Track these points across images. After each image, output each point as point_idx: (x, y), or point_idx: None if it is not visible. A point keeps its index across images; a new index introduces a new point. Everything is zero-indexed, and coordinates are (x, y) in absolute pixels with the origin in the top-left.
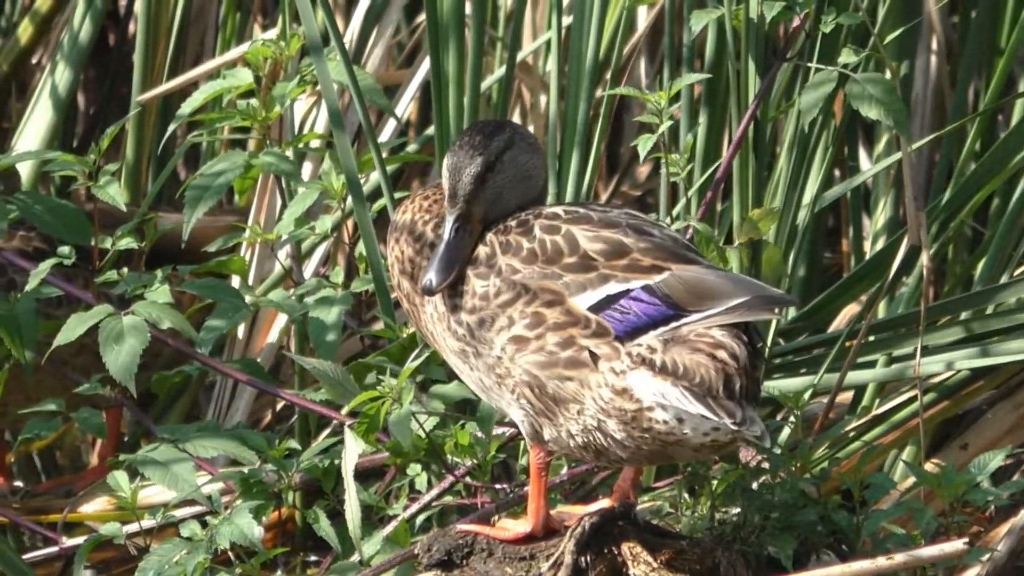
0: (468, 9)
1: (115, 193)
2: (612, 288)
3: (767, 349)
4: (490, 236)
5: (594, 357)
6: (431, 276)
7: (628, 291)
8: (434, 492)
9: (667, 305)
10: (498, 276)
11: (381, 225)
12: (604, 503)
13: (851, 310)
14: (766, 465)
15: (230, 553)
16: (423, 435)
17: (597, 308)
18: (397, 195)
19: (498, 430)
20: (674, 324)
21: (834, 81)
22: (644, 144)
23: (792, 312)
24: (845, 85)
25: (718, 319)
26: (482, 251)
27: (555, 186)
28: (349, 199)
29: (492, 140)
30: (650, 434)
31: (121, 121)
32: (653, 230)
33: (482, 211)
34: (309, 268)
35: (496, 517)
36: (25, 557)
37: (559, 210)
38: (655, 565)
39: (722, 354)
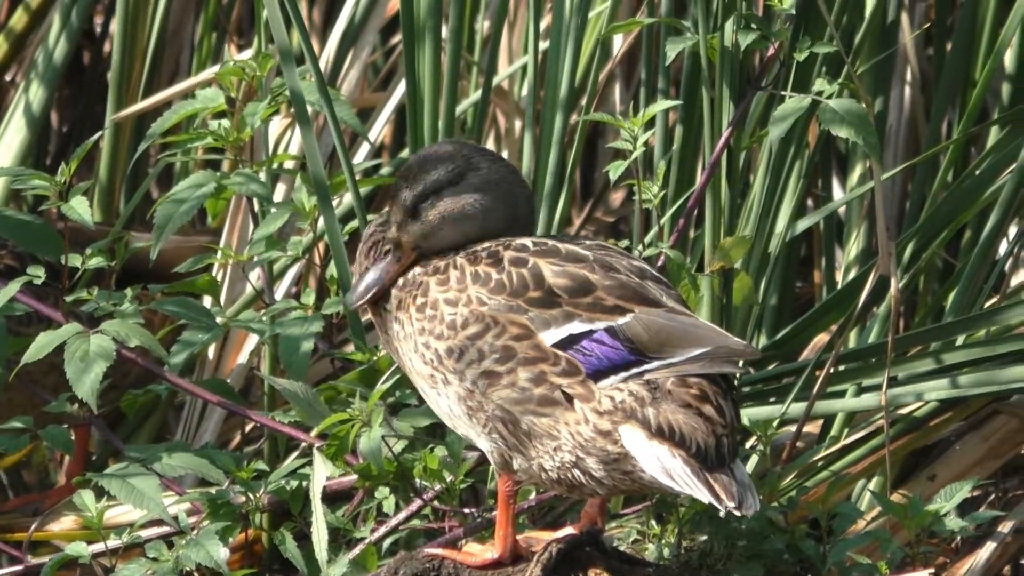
0: (444, 33)
1: (84, 212)
2: (576, 328)
3: (736, 381)
4: (461, 261)
5: (567, 397)
6: (349, 295)
7: (591, 332)
8: (402, 516)
9: (629, 350)
10: (467, 306)
11: (353, 247)
12: (572, 529)
13: (822, 339)
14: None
15: (196, 574)
16: (392, 458)
17: (560, 346)
18: (369, 217)
19: (467, 454)
20: (635, 370)
21: (806, 104)
22: (615, 170)
23: (763, 340)
24: (818, 110)
25: (679, 369)
26: (453, 275)
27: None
28: (321, 221)
29: (431, 172)
30: (630, 477)
31: (92, 139)
32: (621, 263)
33: (413, 241)
34: (280, 290)
35: (463, 541)
36: None
37: (528, 242)
38: None
39: (709, 410)
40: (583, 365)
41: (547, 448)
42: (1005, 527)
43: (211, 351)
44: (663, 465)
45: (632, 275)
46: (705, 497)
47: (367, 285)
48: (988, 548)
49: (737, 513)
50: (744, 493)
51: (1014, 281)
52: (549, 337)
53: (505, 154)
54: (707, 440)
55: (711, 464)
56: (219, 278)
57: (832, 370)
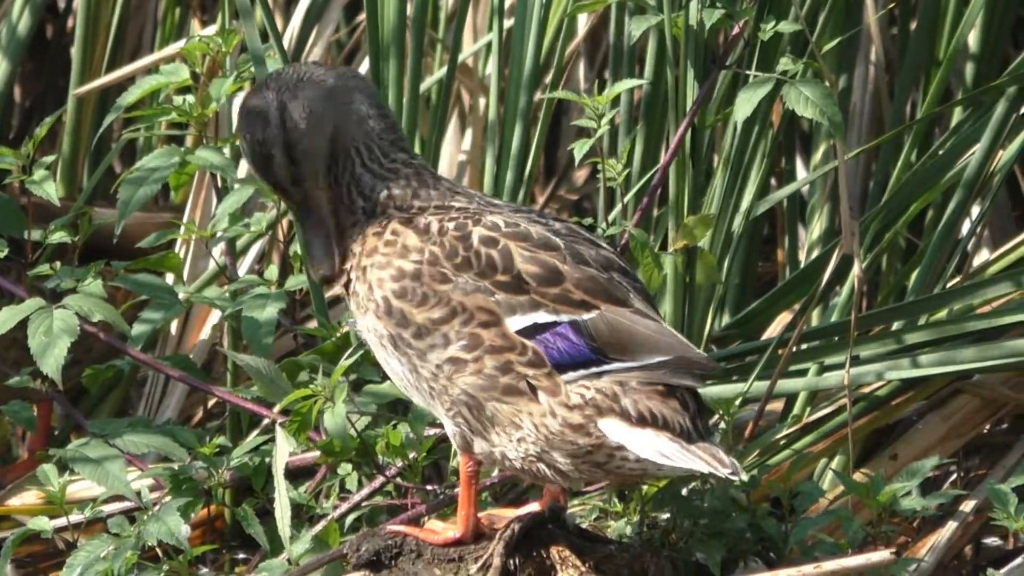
0: (409, 10)
1: (48, 187)
2: (541, 317)
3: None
4: (430, 218)
5: (532, 387)
6: (321, 269)
7: (556, 324)
8: (364, 492)
9: (589, 348)
10: (431, 266)
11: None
12: (534, 506)
13: (785, 318)
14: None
15: (158, 550)
16: (355, 434)
17: (524, 334)
18: None
19: (430, 431)
20: (594, 369)
21: (771, 83)
22: (580, 148)
23: (726, 319)
24: (782, 90)
25: (637, 375)
26: (413, 241)
27: (492, 189)
28: None
29: (265, 127)
30: (603, 468)
31: (56, 114)
32: (590, 253)
33: (312, 178)
34: (244, 266)
35: (426, 518)
36: None
37: (500, 221)
38: (583, 569)
39: (674, 403)
40: (546, 357)
41: (511, 437)
42: (966, 506)
43: (173, 327)
44: (655, 447)
45: (600, 267)
46: (704, 467)
47: (323, 247)
48: (949, 527)
49: (734, 478)
50: (734, 462)
51: (976, 261)
52: (513, 323)
53: (470, 132)
54: (684, 422)
55: (695, 439)
56: (182, 254)
57: (795, 349)
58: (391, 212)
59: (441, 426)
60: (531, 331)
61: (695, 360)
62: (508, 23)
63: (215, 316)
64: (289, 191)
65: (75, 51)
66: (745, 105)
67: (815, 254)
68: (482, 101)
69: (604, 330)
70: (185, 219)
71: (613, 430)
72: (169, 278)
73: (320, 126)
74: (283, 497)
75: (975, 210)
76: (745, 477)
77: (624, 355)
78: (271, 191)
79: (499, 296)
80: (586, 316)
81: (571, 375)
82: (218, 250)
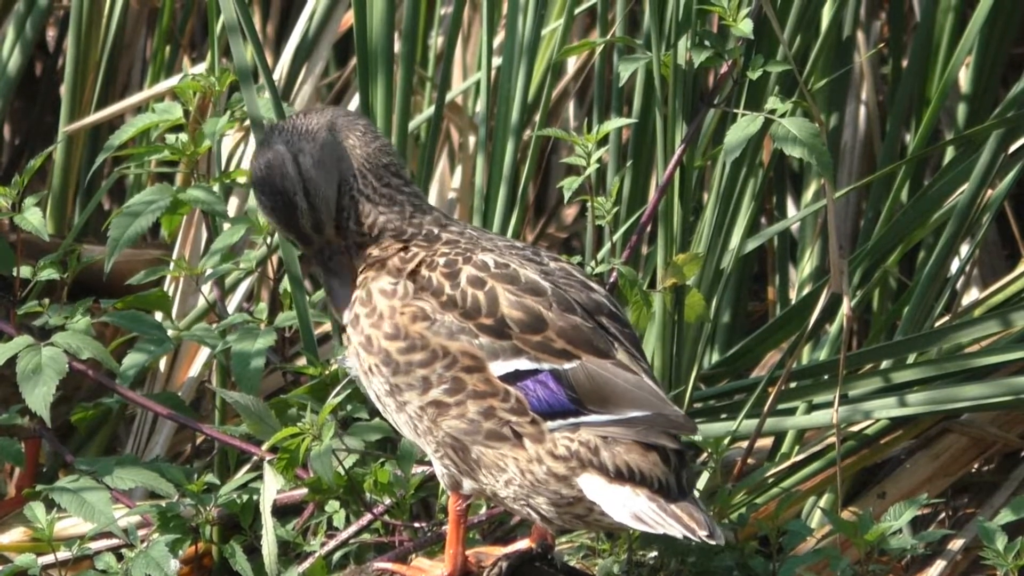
0: (398, 48)
1: (38, 224)
2: (523, 364)
3: (687, 398)
4: (420, 251)
5: (516, 434)
6: (347, 312)
7: (537, 371)
8: (352, 529)
9: (569, 398)
10: (415, 305)
11: (306, 261)
12: (522, 544)
13: (774, 356)
14: None
15: None
16: (342, 472)
17: (506, 380)
18: None
19: (417, 469)
20: (572, 420)
21: (760, 121)
22: (569, 186)
23: (715, 357)
24: (770, 129)
25: (613, 429)
26: (401, 278)
27: (482, 227)
28: (274, 235)
29: (284, 178)
30: (584, 520)
31: (46, 152)
32: (580, 296)
33: (329, 224)
34: (233, 303)
35: (413, 555)
36: None
37: (491, 260)
38: None
39: (654, 456)
40: (527, 404)
41: (499, 479)
42: (955, 545)
43: (162, 364)
44: (630, 510)
45: (589, 314)
46: (678, 532)
47: (344, 295)
48: (938, 566)
49: (711, 542)
50: (712, 523)
51: (966, 300)
52: (495, 368)
53: (459, 170)
54: (666, 475)
55: (675, 496)
56: (172, 291)
57: (784, 387)
58: (385, 239)
59: (429, 464)
60: (512, 377)
61: (671, 418)
62: (497, 61)
63: (204, 353)
64: (313, 239)
65: (65, 89)
66: (734, 143)
67: (805, 292)
68: (471, 139)
69: (584, 381)
70: (175, 256)
71: (590, 487)
72: (159, 315)
73: (328, 172)
74: (270, 534)
75: (964, 249)
76: (722, 542)
77: (602, 408)
78: (294, 242)
79: (482, 339)
80: (567, 366)
81: (549, 424)
82: (207, 287)
